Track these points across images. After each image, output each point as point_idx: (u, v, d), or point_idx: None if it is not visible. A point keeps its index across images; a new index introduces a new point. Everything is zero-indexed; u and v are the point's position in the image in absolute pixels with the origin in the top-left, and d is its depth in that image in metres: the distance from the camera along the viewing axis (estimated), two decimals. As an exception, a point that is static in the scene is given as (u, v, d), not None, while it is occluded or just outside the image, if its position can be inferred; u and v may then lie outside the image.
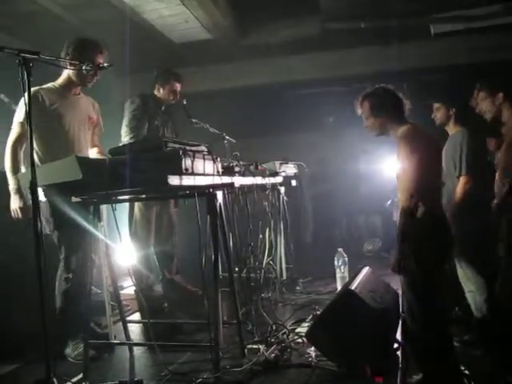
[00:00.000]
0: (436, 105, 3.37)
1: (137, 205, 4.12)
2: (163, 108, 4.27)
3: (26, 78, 2.08)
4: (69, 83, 3.20)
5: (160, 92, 4.23)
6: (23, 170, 2.98)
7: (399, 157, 2.45)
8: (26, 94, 2.13)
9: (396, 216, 3.86)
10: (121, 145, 3.64)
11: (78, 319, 3.02)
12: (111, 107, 3.87)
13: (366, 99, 2.61)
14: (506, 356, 2.82)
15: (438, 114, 3.36)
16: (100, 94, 3.53)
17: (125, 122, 4.10)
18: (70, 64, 2.95)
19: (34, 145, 3.08)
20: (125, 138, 4.04)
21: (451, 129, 3.34)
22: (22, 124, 3.00)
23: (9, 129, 3.08)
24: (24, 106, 2.90)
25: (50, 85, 3.19)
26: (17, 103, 3.16)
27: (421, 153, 2.38)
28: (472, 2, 5.56)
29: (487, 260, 3.01)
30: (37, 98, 3.02)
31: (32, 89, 3.00)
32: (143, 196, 3.23)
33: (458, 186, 3.14)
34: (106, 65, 2.60)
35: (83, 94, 3.35)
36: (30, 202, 2.13)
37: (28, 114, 2.16)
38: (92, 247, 3.07)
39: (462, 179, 3.13)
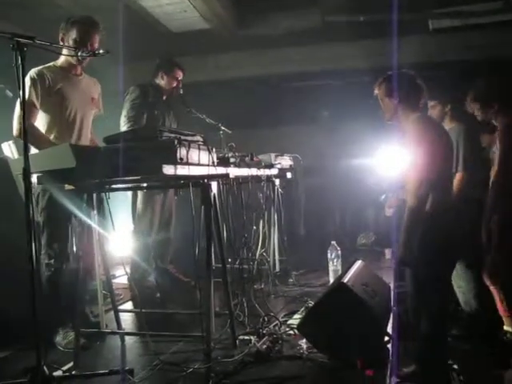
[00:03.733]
0: (431, 103, 3.36)
1: (139, 194, 4.13)
2: (165, 97, 4.27)
3: (20, 62, 2.05)
4: (68, 64, 3.20)
5: (164, 80, 4.26)
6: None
7: (408, 145, 2.38)
8: (20, 80, 2.11)
9: (389, 211, 3.84)
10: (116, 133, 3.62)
11: (67, 307, 3.01)
12: (105, 95, 3.83)
13: (385, 80, 2.58)
14: (494, 350, 2.85)
15: (434, 111, 3.35)
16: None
17: (124, 111, 4.13)
18: (65, 49, 2.94)
19: (44, 123, 3.09)
20: (123, 127, 4.06)
21: (447, 125, 3.34)
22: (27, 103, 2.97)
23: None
24: (29, 83, 2.92)
25: (51, 64, 3.18)
26: (11, 89, 3.15)
27: (431, 143, 2.32)
28: (472, -1, 5.56)
29: (478, 256, 3.03)
30: (43, 78, 3.05)
31: (36, 69, 3.04)
32: (137, 185, 3.22)
33: (454, 183, 3.14)
34: (101, 51, 2.57)
35: (86, 75, 3.35)
36: None
37: (22, 99, 2.14)
38: (85, 235, 3.06)
39: (458, 176, 3.13)
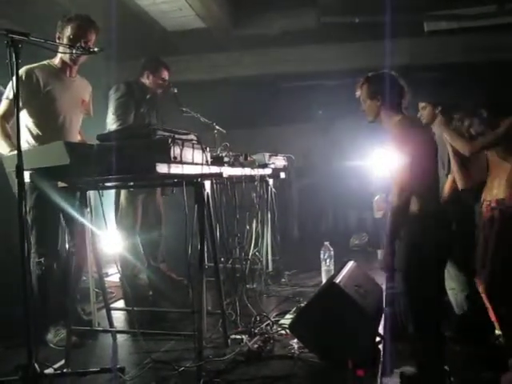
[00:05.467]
0: (421, 104, 3.39)
1: (123, 192, 4.10)
2: (148, 96, 4.22)
3: (14, 59, 2.04)
4: (63, 64, 3.17)
5: (149, 79, 4.18)
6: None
7: (390, 149, 2.37)
8: (15, 77, 2.10)
9: (378, 213, 3.86)
10: (109, 131, 3.61)
11: (59, 305, 3.00)
12: (99, 93, 3.82)
13: (366, 81, 2.55)
14: (485, 353, 2.87)
15: (424, 112, 3.38)
16: (88, 80, 3.49)
17: (111, 109, 4.02)
18: (60, 46, 2.94)
19: (29, 124, 3.08)
20: (112, 125, 3.96)
21: (437, 127, 3.36)
22: (9, 101, 2.97)
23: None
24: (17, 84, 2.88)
25: (45, 63, 3.15)
26: (4, 85, 3.12)
27: (413, 144, 2.30)
28: (467, 2, 5.58)
29: (470, 258, 3.05)
30: (31, 78, 3.02)
31: (26, 67, 3.00)
32: (131, 183, 3.22)
33: (445, 185, 3.16)
34: (96, 49, 2.56)
35: (79, 76, 3.32)
36: None
37: (15, 96, 2.13)
38: (77, 233, 3.05)
39: (450, 178, 3.16)
